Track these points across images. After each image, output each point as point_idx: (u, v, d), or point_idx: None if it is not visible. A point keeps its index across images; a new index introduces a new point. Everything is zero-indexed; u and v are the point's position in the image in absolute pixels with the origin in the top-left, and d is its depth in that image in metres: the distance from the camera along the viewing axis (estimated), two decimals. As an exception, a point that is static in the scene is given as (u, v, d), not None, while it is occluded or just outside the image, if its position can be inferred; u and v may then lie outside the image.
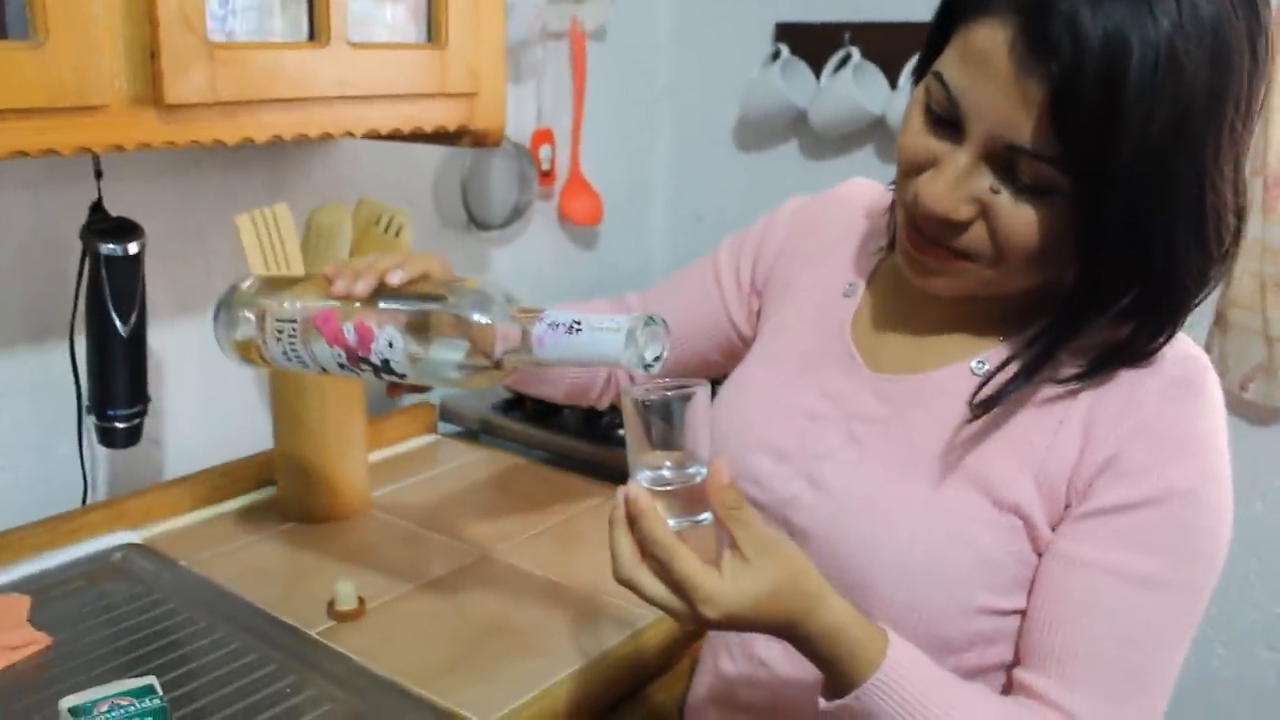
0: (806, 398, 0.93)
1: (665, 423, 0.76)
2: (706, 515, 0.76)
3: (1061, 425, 0.80)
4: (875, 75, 1.87)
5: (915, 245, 0.82)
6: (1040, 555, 0.81)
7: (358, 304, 0.87)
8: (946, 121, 0.77)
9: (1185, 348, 0.82)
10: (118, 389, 1.23)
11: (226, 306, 0.98)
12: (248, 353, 0.97)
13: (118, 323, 1.20)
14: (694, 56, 2.18)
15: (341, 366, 0.90)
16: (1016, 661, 0.83)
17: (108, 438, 1.26)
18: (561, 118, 1.99)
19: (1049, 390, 0.81)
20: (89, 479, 1.40)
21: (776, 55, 1.97)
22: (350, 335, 0.87)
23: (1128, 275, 0.75)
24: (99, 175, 1.22)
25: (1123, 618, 0.78)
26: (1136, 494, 0.78)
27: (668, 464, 0.76)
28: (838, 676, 0.76)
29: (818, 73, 1.93)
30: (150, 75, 1.06)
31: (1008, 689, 0.84)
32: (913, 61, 0.96)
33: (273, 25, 1.25)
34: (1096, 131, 0.69)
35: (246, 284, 0.99)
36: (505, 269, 1.98)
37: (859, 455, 0.88)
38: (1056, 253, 0.77)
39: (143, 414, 1.27)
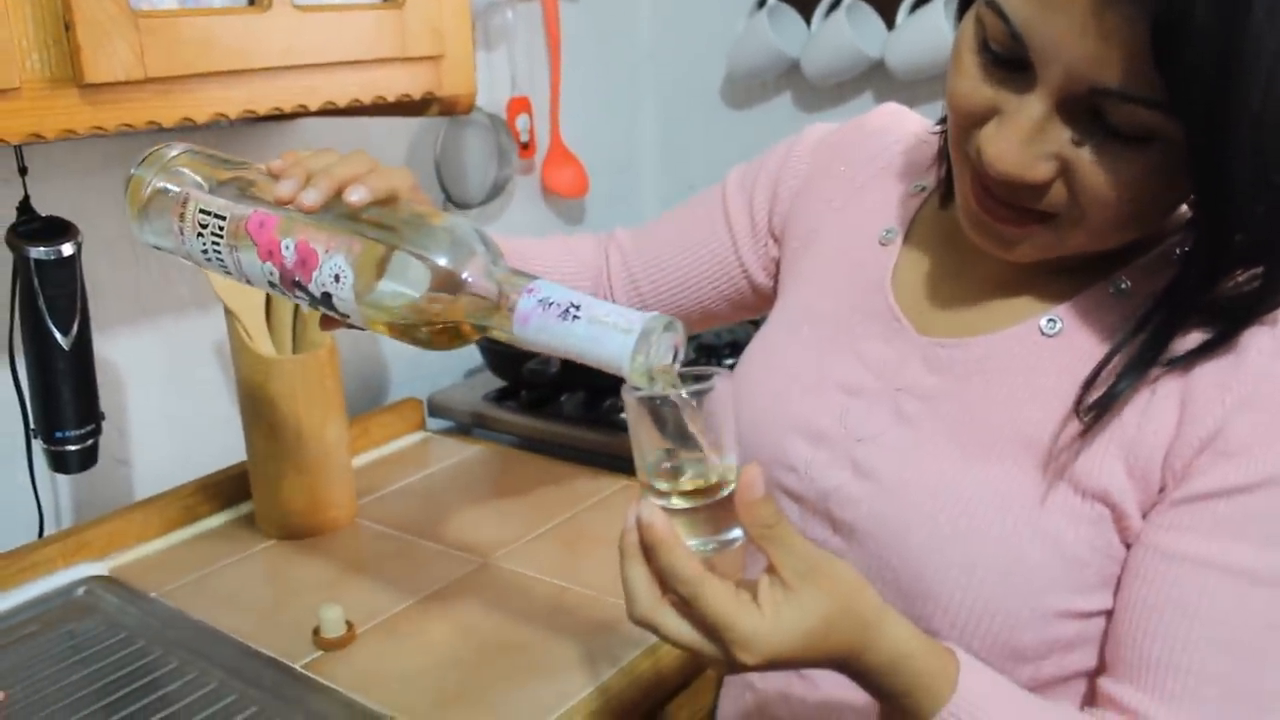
0: (844, 369, 0.79)
1: (680, 424, 0.62)
2: (736, 533, 0.63)
3: (1154, 395, 0.67)
4: (870, 16, 1.74)
5: (985, 208, 0.68)
6: (1129, 547, 0.69)
7: (303, 216, 0.72)
8: (1009, 62, 0.63)
9: None
10: (64, 408, 1.11)
11: (143, 170, 0.79)
12: (160, 239, 0.80)
13: (57, 335, 1.08)
14: (675, 11, 2.05)
15: (272, 285, 0.74)
16: (1102, 668, 0.71)
17: (59, 462, 1.14)
18: (538, 85, 1.86)
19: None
20: (44, 508, 1.27)
21: (763, 3, 1.84)
22: (288, 254, 0.71)
23: (1262, 230, 0.61)
24: (23, 171, 1.10)
25: (1233, 622, 0.65)
26: (1247, 475, 0.64)
27: (686, 475, 0.63)
28: (900, 712, 0.65)
29: (808, 18, 1.80)
30: (68, 51, 0.94)
31: (1090, 699, 0.72)
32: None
33: (210, -10, 1.12)
34: (1214, 61, 0.55)
35: (175, 151, 0.80)
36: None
37: (912, 436, 0.74)
38: (1160, 205, 0.65)
39: (96, 433, 1.14)
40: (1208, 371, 0.66)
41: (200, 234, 0.76)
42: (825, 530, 0.77)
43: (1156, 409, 0.67)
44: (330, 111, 1.16)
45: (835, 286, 0.84)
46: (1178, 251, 0.71)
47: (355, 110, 1.19)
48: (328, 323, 0.78)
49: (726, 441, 0.63)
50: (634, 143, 2.13)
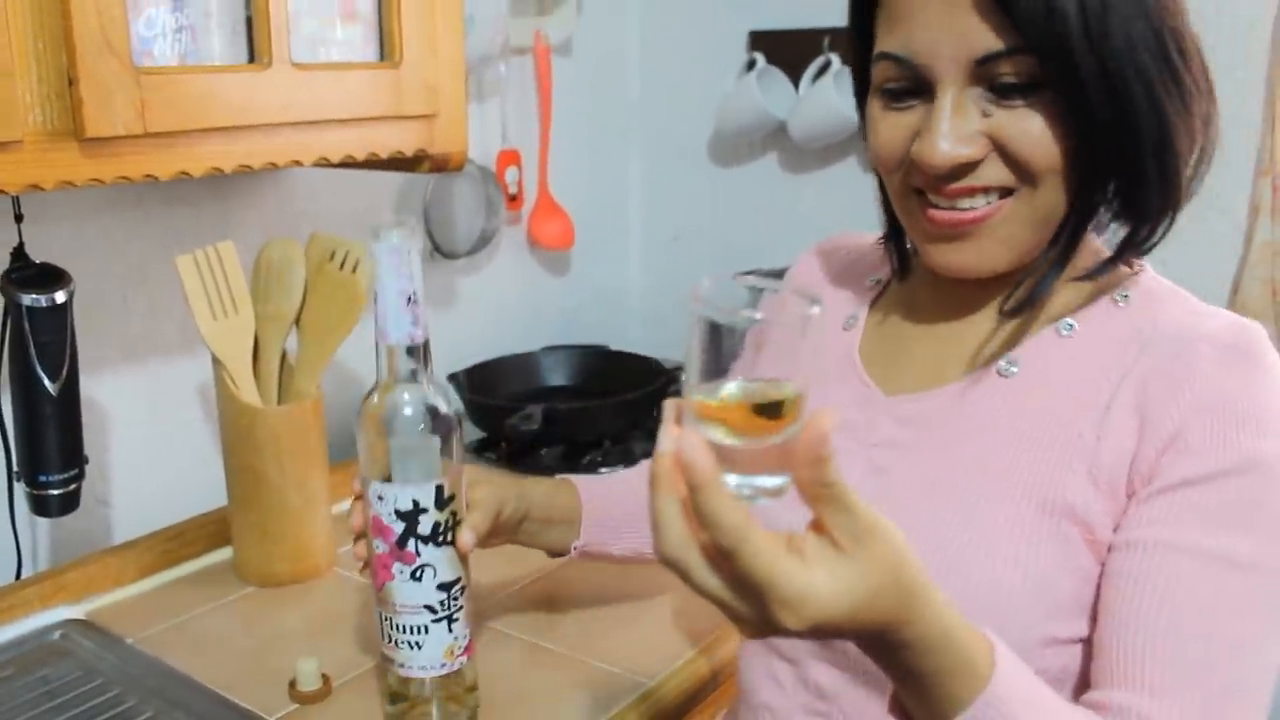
0: None
1: (746, 352, 0.56)
2: (782, 480, 0.57)
3: (1109, 411, 0.74)
4: (856, 82, 1.77)
5: (946, 220, 0.76)
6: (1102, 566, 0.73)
7: None
8: (910, 90, 0.76)
9: (1230, 318, 0.76)
10: (49, 453, 1.12)
11: None
12: None
13: (46, 381, 1.09)
14: (665, 69, 2.08)
15: None
16: (1090, 689, 0.72)
17: (41, 506, 1.14)
18: (528, 137, 1.89)
19: (1085, 375, 0.76)
20: (23, 547, 1.28)
21: (752, 65, 1.88)
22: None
23: (1125, 142, 0.72)
24: (19, 219, 1.11)
25: (1210, 606, 0.68)
26: (1208, 466, 0.70)
27: (746, 409, 0.56)
28: (933, 692, 0.62)
29: (796, 82, 1.84)
30: (70, 106, 0.96)
31: None
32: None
33: (208, 46, 1.14)
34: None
35: None
36: (474, 298, 1.87)
37: (884, 485, 0.80)
38: (1078, 160, 0.73)
39: (79, 478, 1.15)
40: (1158, 384, 0.73)
41: None
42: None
43: (1115, 424, 0.73)
44: (322, 164, 1.18)
45: (811, 369, 0.87)
46: (1118, 299, 0.79)
47: (348, 164, 1.21)
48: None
49: (799, 374, 0.57)
50: (620, 195, 2.16)
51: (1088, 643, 0.73)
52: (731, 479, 0.56)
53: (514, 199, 1.87)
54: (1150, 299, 0.80)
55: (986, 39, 0.71)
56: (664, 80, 2.09)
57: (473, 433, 1.70)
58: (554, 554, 1.09)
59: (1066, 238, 0.76)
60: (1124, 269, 0.81)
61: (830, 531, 0.57)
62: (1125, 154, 0.72)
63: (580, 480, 1.10)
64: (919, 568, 0.60)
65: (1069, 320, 0.79)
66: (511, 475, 1.06)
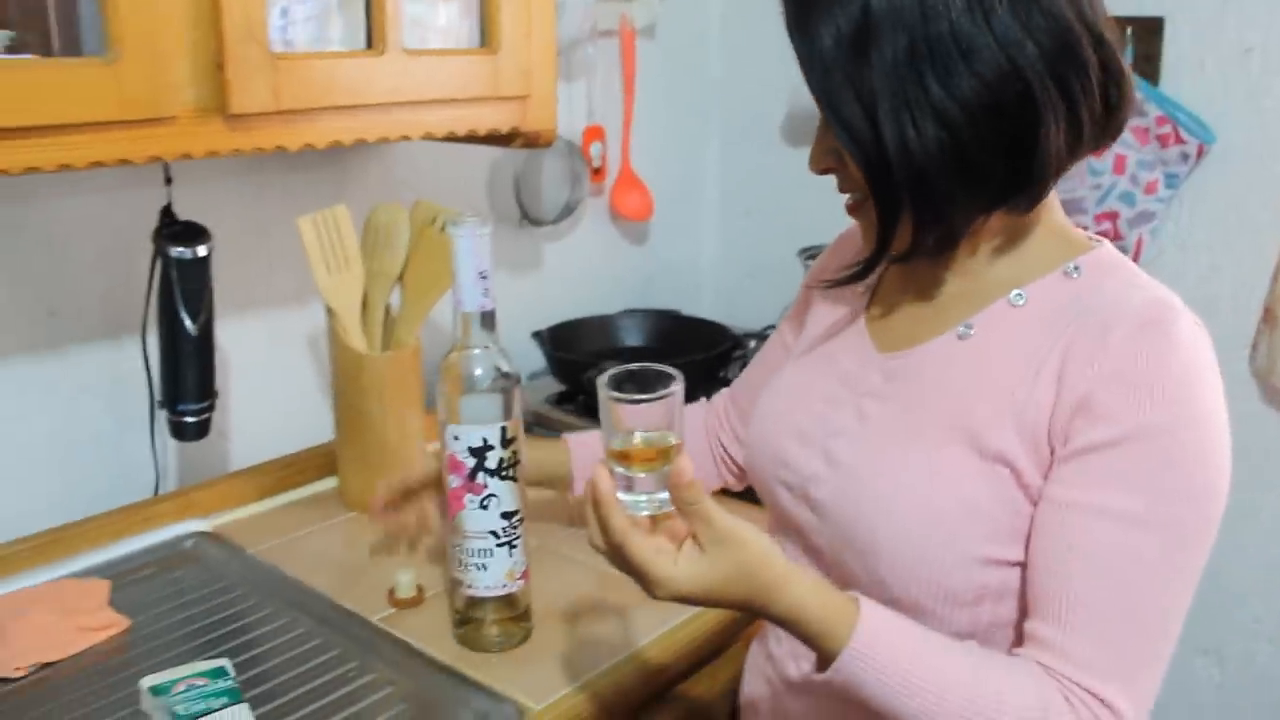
0: (825, 384, 1.00)
1: (640, 413, 0.83)
2: (665, 497, 0.84)
3: (1038, 375, 0.85)
4: (923, 69, 1.87)
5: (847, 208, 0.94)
6: (1035, 505, 0.85)
7: None
8: None
9: (1157, 293, 0.85)
10: (188, 385, 1.29)
11: None
12: None
13: (187, 322, 1.26)
14: (743, 52, 2.20)
15: None
16: (1023, 615, 0.87)
17: (179, 431, 1.32)
18: (612, 115, 2.02)
19: (1029, 341, 0.87)
20: (160, 470, 1.46)
21: (825, 50, 1.98)
22: None
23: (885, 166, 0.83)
24: (169, 181, 1.28)
25: (1110, 557, 0.81)
26: (1111, 433, 0.81)
27: (640, 455, 0.84)
28: (820, 652, 0.83)
29: (866, 67, 1.94)
30: (217, 86, 1.11)
31: (1019, 643, 0.87)
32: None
33: (331, 33, 1.30)
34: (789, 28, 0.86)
35: None
36: (557, 264, 2.02)
37: (865, 430, 0.94)
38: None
39: (211, 409, 1.33)
40: (1078, 352, 0.83)
41: None
42: (805, 509, 0.97)
43: (1039, 386, 0.85)
44: (427, 139, 1.33)
45: (830, 327, 1.05)
46: (1070, 271, 0.89)
47: (449, 139, 1.36)
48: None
49: (677, 428, 0.84)
50: (698, 172, 2.29)
51: (1024, 566, 0.86)
52: (628, 498, 0.84)
53: (597, 172, 2.01)
54: (1098, 271, 0.89)
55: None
56: (742, 63, 2.21)
57: (554, 386, 1.85)
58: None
59: (883, 231, 0.88)
60: (1083, 242, 0.91)
61: (697, 537, 0.82)
62: (889, 173, 0.83)
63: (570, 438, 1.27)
64: (776, 565, 0.82)
65: (1020, 291, 0.90)
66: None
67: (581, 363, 1.76)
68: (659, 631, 1.19)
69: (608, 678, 1.11)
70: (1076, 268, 0.89)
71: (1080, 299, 0.87)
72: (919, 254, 0.89)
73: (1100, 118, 0.84)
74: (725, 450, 1.26)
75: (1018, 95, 0.80)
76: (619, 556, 0.83)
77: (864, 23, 0.80)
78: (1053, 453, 0.84)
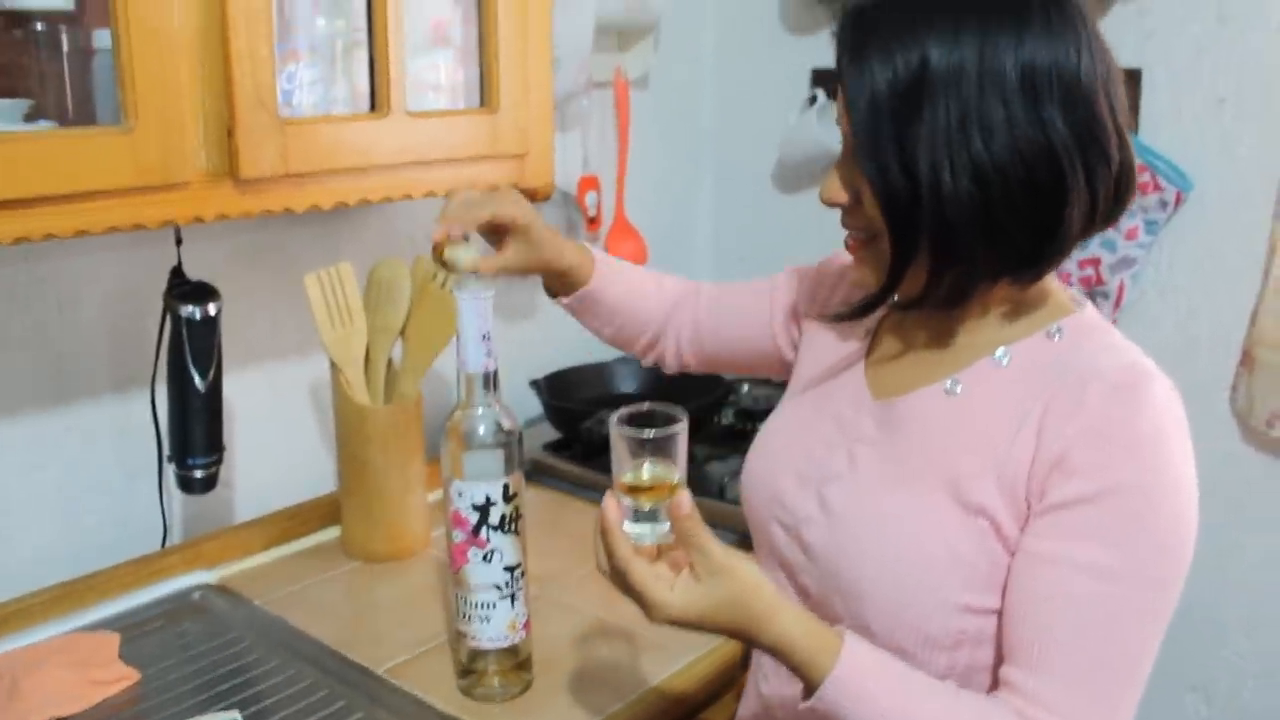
0: (823, 425, 1.04)
1: (647, 451, 0.90)
2: (667, 527, 0.89)
3: (1019, 431, 0.89)
4: (909, 120, 1.92)
5: (846, 245, 0.98)
6: (1013, 555, 0.89)
7: None
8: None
9: (1133, 357, 0.90)
10: (196, 439, 1.32)
11: None
12: None
13: (196, 378, 1.29)
14: (735, 102, 2.25)
15: None
16: (1000, 661, 0.90)
17: (186, 485, 1.35)
18: (607, 164, 2.06)
19: (1012, 399, 0.91)
20: (167, 521, 1.48)
21: (814, 100, 2.04)
22: None
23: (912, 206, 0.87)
24: (179, 242, 1.31)
25: (1081, 608, 0.85)
26: (1085, 489, 0.85)
27: (645, 488, 0.90)
28: (805, 680, 0.87)
29: (854, 118, 1.99)
30: (228, 152, 1.15)
31: (995, 688, 0.91)
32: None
33: (335, 93, 1.34)
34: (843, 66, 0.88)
35: None
36: (554, 312, 2.03)
37: (855, 475, 0.98)
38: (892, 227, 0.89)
39: (219, 463, 1.35)
40: (1057, 409, 0.88)
41: None
42: (797, 550, 1.00)
43: (1021, 439, 0.89)
44: (429, 196, 1.37)
45: (830, 366, 1.09)
46: (1052, 333, 0.94)
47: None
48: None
49: (680, 463, 0.90)
50: (691, 219, 2.33)
51: (1001, 614, 0.89)
52: (633, 528, 0.90)
53: (593, 220, 2.05)
54: (1079, 334, 0.93)
55: (846, 119, 0.89)
56: (734, 113, 2.26)
57: (550, 433, 1.88)
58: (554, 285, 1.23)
59: (894, 271, 0.91)
60: (1067, 305, 0.96)
61: (694, 567, 0.87)
62: (915, 227, 0.87)
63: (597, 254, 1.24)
64: (766, 597, 0.87)
65: (1004, 351, 0.94)
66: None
67: (578, 411, 1.79)
68: (658, 679, 1.22)
69: (609, 724, 1.14)
70: (1059, 330, 0.94)
71: (1061, 359, 0.91)
72: (929, 305, 0.93)
73: (1110, 206, 0.90)
74: (677, 333, 1.28)
75: (1051, 174, 0.85)
76: (621, 580, 0.88)
77: (921, 76, 0.84)
78: (1029, 507, 0.88)
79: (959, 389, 0.95)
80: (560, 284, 1.22)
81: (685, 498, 0.86)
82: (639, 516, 0.90)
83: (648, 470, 0.90)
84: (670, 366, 1.31)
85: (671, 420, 0.90)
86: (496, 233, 1.13)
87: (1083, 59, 0.85)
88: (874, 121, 0.85)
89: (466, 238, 1.07)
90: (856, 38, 0.87)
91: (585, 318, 1.26)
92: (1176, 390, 0.88)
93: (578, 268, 1.20)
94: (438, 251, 1.06)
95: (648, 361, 1.32)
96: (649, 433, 0.89)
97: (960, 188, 0.84)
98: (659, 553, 0.91)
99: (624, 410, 0.92)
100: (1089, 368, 0.89)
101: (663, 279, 1.30)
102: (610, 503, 0.89)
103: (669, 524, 0.88)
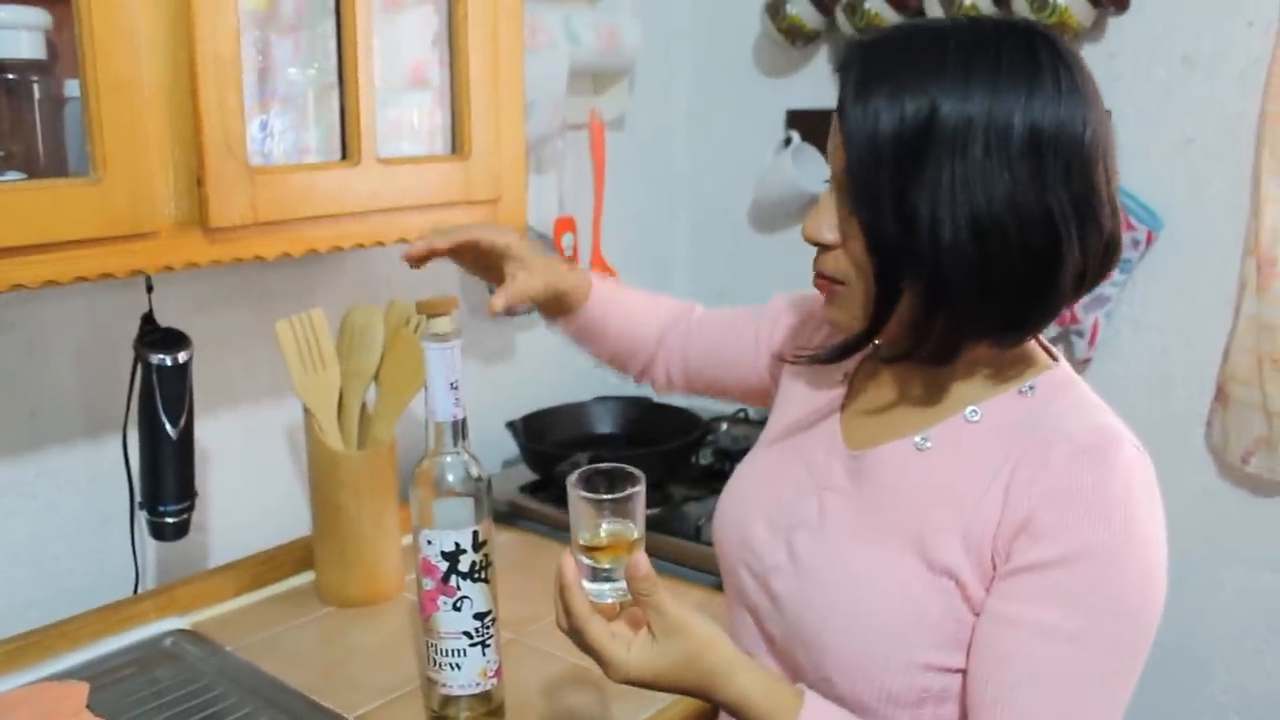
0: (795, 470, 1.03)
1: (605, 510, 0.91)
2: (624, 585, 0.89)
3: (988, 491, 0.89)
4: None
5: (815, 283, 0.97)
6: (978, 615, 0.89)
7: None
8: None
9: (1102, 418, 0.90)
10: (168, 486, 1.32)
11: None
12: None
13: (168, 425, 1.29)
14: (710, 143, 2.27)
15: None
16: (964, 718, 0.90)
17: (158, 532, 1.35)
18: (583, 205, 2.07)
19: (981, 456, 0.90)
20: (139, 567, 1.48)
21: (788, 141, 2.06)
22: None
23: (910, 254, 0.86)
24: (150, 289, 1.32)
25: (1046, 669, 0.84)
26: (1051, 553, 0.84)
27: (603, 548, 0.91)
28: None
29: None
30: (197, 201, 1.16)
31: None
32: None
33: (307, 140, 1.34)
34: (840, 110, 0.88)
35: None
36: (530, 353, 2.06)
37: (824, 526, 0.98)
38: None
39: (190, 509, 1.35)
40: (1023, 471, 0.87)
41: None
42: (764, 597, 1.00)
43: (988, 500, 0.88)
44: (401, 243, 1.37)
45: (806, 410, 1.08)
46: (1024, 390, 0.93)
47: (423, 241, 1.40)
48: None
49: (638, 521, 0.91)
50: (667, 258, 2.34)
51: (965, 673, 0.89)
52: (592, 586, 0.91)
53: (570, 261, 2.06)
54: (1051, 391, 0.92)
55: (841, 156, 0.88)
56: (709, 153, 2.28)
57: (526, 475, 1.88)
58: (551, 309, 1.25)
59: (876, 317, 0.90)
60: (1042, 361, 0.96)
61: (650, 627, 0.87)
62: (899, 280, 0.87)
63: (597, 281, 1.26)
64: (724, 655, 0.87)
65: (975, 408, 0.93)
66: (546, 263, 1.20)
67: (553, 454, 1.79)
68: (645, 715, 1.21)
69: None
70: (1031, 386, 0.93)
71: (1032, 416, 0.91)
72: (917, 359, 0.93)
73: (1096, 272, 0.90)
74: (666, 354, 1.28)
75: (1048, 239, 0.84)
76: (579, 639, 0.89)
77: (928, 127, 0.83)
78: (995, 567, 0.87)
79: (929, 445, 0.94)
80: (559, 306, 1.23)
81: (641, 559, 0.87)
82: (597, 575, 0.91)
83: (605, 529, 0.91)
84: (660, 387, 1.32)
85: (630, 480, 0.91)
86: (487, 263, 1.16)
87: (1088, 128, 0.84)
88: (873, 164, 0.84)
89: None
90: (863, 74, 0.86)
91: (584, 339, 1.27)
92: (1145, 453, 0.88)
93: (576, 288, 1.22)
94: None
95: (641, 381, 1.33)
96: (606, 495, 0.90)
97: (960, 240, 0.83)
98: (619, 609, 0.91)
99: (583, 469, 0.93)
100: (1056, 429, 0.88)
101: (658, 298, 1.32)
102: (568, 561, 0.90)
103: (623, 584, 0.89)
